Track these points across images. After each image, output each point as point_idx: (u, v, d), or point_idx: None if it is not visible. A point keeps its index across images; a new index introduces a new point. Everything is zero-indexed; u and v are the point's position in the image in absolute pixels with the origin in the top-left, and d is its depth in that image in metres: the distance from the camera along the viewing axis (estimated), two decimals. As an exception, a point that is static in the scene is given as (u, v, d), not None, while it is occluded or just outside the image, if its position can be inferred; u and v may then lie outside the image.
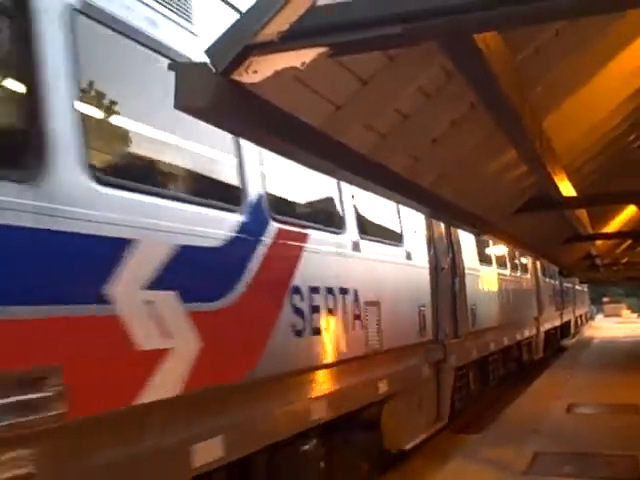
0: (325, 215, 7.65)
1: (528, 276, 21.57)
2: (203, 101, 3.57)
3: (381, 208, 9.07)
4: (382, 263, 8.76)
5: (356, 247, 7.96)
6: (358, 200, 8.18)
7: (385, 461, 9.41)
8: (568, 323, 33.93)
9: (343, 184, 7.64)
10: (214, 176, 5.76)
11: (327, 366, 7.02)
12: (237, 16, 4.57)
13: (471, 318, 13.22)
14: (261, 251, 5.87)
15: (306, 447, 6.76)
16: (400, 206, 9.34)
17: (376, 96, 4.83)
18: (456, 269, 12.62)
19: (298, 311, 6.39)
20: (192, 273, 4.98)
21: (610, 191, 12.61)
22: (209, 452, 5.07)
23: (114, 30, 4.59)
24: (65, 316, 3.87)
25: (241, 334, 5.53)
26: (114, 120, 4.72)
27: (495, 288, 16.10)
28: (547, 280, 25.98)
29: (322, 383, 6.93)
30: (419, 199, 7.04)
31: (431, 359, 10.71)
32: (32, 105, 3.86)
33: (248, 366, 5.58)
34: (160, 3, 5.10)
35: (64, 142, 3.98)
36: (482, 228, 10.24)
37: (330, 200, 7.76)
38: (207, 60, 3.57)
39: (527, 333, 20.12)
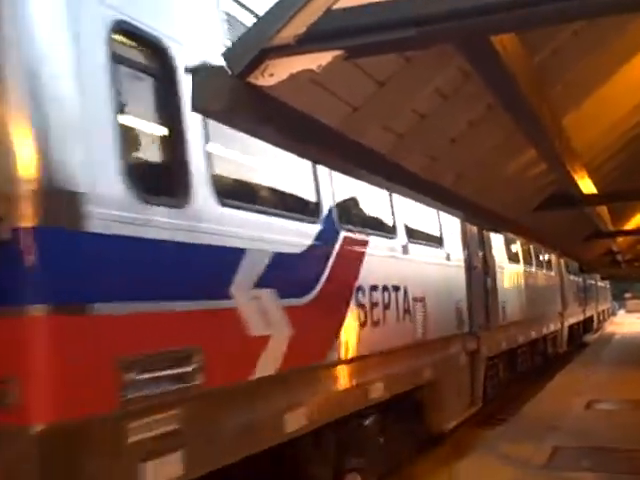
0: (380, 223, 8.79)
1: (553, 273, 22.58)
2: (220, 104, 3.66)
3: (424, 214, 10.18)
4: (426, 264, 9.92)
5: (405, 250, 9.09)
6: (406, 208, 9.29)
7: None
8: (591, 318, 34.76)
9: (394, 195, 8.76)
10: (300, 195, 6.96)
11: (382, 353, 8.14)
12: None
13: (501, 312, 14.32)
14: (333, 255, 7.02)
15: (367, 422, 7.91)
16: (440, 212, 10.45)
17: (393, 97, 4.89)
18: (487, 267, 13.72)
19: (361, 306, 7.54)
20: (285, 274, 6.12)
21: (630, 188, 12.47)
22: (296, 421, 6.19)
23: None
24: (202, 309, 5.02)
25: (320, 324, 6.68)
26: (230, 156, 5.90)
27: (522, 284, 17.16)
28: (571, 277, 26.95)
29: (378, 367, 8.04)
30: (439, 198, 7.30)
31: (467, 349, 11.82)
32: (180, 151, 5.05)
33: (326, 351, 6.73)
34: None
35: (200, 177, 5.16)
36: (502, 226, 10.64)
37: (384, 209, 8.90)
38: (224, 63, 3.65)
39: (552, 327, 21.15)
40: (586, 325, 32.53)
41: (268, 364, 5.76)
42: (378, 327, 7.95)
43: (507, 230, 11.73)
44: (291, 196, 6.85)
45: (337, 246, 7.13)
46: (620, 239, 19.50)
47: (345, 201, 7.71)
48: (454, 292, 11.24)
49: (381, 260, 8.27)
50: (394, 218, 9.04)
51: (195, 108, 3.71)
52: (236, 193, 5.76)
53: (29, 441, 3.72)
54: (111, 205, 4.24)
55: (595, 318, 37.52)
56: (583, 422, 10.93)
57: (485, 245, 13.75)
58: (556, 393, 14.44)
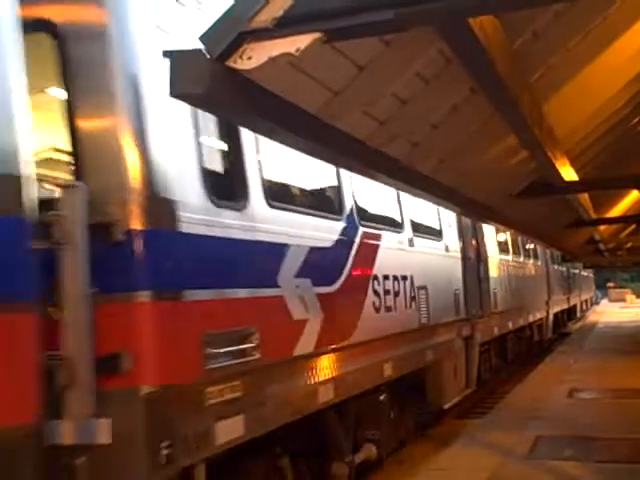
0: (390, 218, 9.76)
1: (539, 263, 23.66)
2: (199, 88, 3.56)
3: (427, 209, 11.14)
4: (429, 255, 10.93)
5: (411, 243, 10.07)
6: (411, 204, 10.24)
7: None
8: (574, 307, 35.83)
9: (401, 192, 9.71)
10: (328, 194, 7.93)
11: (393, 336, 9.09)
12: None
13: (493, 300, 15.35)
14: (354, 248, 7.97)
15: (381, 397, 8.90)
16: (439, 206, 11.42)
17: (373, 82, 4.85)
18: (480, 258, 14.73)
19: (376, 293, 8.50)
20: (317, 266, 7.06)
21: (611, 176, 12.85)
22: (326, 394, 7.13)
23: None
24: (257, 296, 5.97)
25: (345, 309, 7.64)
26: (273, 164, 6.81)
27: (512, 274, 18.24)
28: (556, 267, 28.04)
29: (391, 349, 8.99)
30: (419, 185, 7.36)
31: (462, 334, 12.82)
32: (240, 162, 6.02)
33: (350, 334, 7.68)
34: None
35: (254, 183, 6.11)
36: (483, 213, 10.82)
37: (392, 205, 9.86)
38: (202, 47, 3.57)
39: (538, 315, 22.23)
40: (570, 313, 33.55)
41: (305, 344, 6.68)
42: (390, 312, 8.91)
43: (489, 218, 12.12)
44: (321, 196, 7.84)
45: (357, 240, 8.08)
46: (602, 228, 19.74)
47: (361, 199, 8.66)
48: (452, 281, 12.28)
49: (392, 252, 9.23)
50: (401, 213, 10.01)
51: (174, 93, 3.58)
52: (280, 196, 6.68)
53: (139, 399, 4.64)
54: (195, 210, 5.17)
55: (578, 307, 38.52)
56: (565, 411, 11.09)
57: (478, 236, 14.76)
58: (539, 382, 14.68)
